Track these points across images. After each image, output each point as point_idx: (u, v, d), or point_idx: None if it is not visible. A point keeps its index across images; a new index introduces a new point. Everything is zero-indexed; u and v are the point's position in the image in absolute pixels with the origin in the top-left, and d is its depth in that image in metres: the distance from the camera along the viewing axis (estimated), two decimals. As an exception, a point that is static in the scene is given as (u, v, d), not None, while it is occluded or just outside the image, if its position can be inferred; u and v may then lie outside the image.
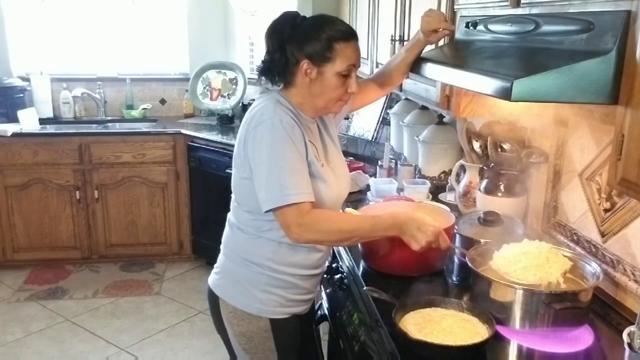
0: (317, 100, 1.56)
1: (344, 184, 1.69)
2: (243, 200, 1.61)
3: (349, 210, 1.80)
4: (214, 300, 1.70)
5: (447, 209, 1.91)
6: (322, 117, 1.70)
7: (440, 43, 1.82)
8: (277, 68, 1.55)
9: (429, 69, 1.60)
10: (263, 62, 1.58)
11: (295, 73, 1.54)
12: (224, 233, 1.71)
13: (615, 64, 1.08)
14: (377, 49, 2.70)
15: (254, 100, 1.65)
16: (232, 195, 1.66)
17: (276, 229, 1.55)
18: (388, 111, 3.07)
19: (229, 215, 1.70)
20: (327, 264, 1.80)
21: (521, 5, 1.38)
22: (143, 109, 4.43)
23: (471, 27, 1.61)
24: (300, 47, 1.50)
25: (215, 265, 1.75)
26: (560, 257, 1.46)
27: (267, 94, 1.60)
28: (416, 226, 1.48)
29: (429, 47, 1.78)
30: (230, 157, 1.63)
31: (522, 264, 1.42)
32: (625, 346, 1.19)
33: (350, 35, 1.53)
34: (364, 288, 1.62)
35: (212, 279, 1.73)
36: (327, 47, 1.49)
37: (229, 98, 4.44)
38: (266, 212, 1.49)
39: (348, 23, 3.31)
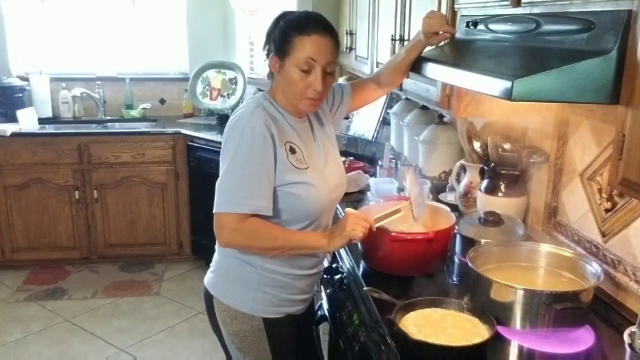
0: (287, 95, 1.56)
1: (334, 184, 1.65)
2: None
3: (348, 210, 1.80)
4: (208, 299, 1.70)
5: (448, 209, 1.90)
6: (319, 115, 1.69)
7: (440, 44, 1.81)
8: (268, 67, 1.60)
9: (430, 69, 1.60)
10: None
11: (272, 70, 1.58)
12: None
13: (616, 64, 1.08)
14: (377, 49, 2.70)
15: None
16: None
17: None
18: (388, 111, 3.07)
19: None
20: (324, 264, 1.79)
21: (522, 5, 1.38)
22: (142, 108, 4.43)
23: (472, 27, 1.60)
24: (271, 43, 1.55)
25: (210, 265, 1.75)
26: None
27: (255, 96, 1.61)
28: (342, 228, 1.51)
29: (429, 47, 1.77)
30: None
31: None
32: (626, 347, 1.19)
33: (305, 26, 1.48)
34: (364, 288, 1.62)
35: (207, 278, 1.73)
36: (283, 40, 1.50)
37: (228, 98, 4.44)
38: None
39: (347, 21, 3.29)
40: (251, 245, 1.54)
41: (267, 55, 1.58)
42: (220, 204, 1.50)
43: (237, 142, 1.49)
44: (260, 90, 1.66)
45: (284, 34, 1.50)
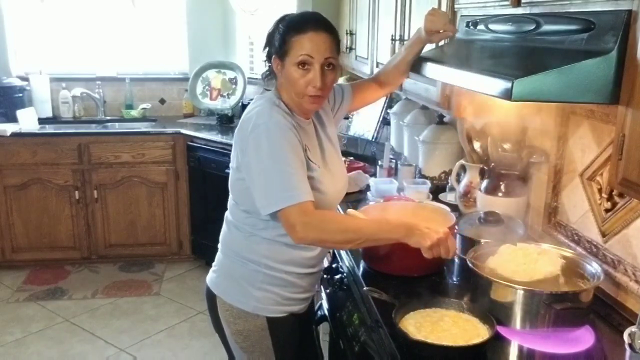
0: (291, 95, 1.56)
1: (340, 185, 1.68)
2: (240, 199, 1.61)
3: (350, 211, 1.80)
4: (211, 298, 1.70)
5: (448, 209, 1.90)
6: (320, 116, 1.69)
7: (440, 43, 1.81)
8: (267, 68, 1.61)
9: (429, 69, 1.60)
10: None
11: (275, 71, 1.58)
12: (222, 231, 1.72)
13: (616, 64, 1.08)
14: (377, 49, 2.70)
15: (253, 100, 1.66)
16: (230, 194, 1.67)
17: (271, 228, 1.56)
18: (388, 111, 3.07)
19: (227, 214, 1.70)
20: (325, 263, 1.79)
21: (522, 5, 1.38)
22: (142, 108, 4.43)
23: (471, 27, 1.60)
24: (272, 45, 1.56)
25: (213, 264, 1.75)
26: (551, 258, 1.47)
27: (264, 95, 1.61)
28: (423, 229, 1.45)
29: (428, 47, 1.77)
30: (230, 157, 1.64)
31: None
32: (626, 347, 1.19)
33: (301, 25, 1.51)
34: (364, 288, 1.62)
35: (210, 277, 1.73)
36: (282, 41, 1.52)
37: (228, 98, 4.44)
38: (266, 215, 1.48)
39: (347, 21, 3.29)
40: (325, 239, 1.50)
41: (269, 57, 1.59)
42: (273, 203, 1.45)
43: (267, 138, 1.47)
44: (266, 90, 1.64)
45: (282, 34, 1.52)
